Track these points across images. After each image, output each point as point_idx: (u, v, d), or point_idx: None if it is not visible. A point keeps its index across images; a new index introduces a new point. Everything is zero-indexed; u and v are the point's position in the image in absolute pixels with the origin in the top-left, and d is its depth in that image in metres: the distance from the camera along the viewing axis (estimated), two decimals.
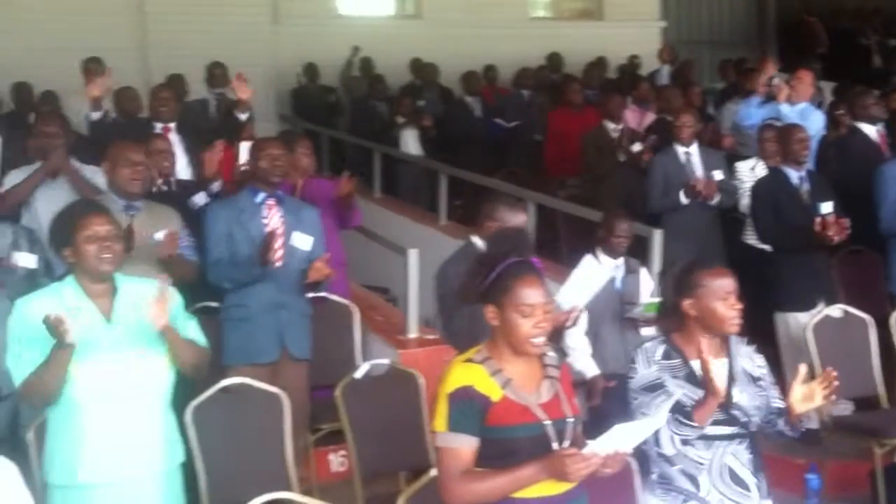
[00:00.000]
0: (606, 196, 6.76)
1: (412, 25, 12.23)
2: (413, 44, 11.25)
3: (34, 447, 3.68)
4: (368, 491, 4.29)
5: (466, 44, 11.49)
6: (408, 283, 5.49)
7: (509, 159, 9.29)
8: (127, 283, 3.37)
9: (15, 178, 4.97)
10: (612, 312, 4.81)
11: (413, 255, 5.50)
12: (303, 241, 4.75)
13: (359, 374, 4.39)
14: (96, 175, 4.92)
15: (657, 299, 4.71)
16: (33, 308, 3.24)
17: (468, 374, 2.74)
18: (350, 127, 10.42)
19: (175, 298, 3.44)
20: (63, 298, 3.26)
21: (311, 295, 4.95)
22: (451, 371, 2.77)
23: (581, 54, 11.42)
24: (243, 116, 6.35)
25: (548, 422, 2.72)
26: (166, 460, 3.37)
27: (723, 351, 3.20)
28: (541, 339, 2.75)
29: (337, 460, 5.21)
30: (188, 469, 3.69)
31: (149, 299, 3.21)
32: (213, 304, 4.99)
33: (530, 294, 2.71)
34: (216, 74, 8.31)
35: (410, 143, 9.38)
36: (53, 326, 3.02)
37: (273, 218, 4.73)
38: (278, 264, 4.67)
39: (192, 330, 3.45)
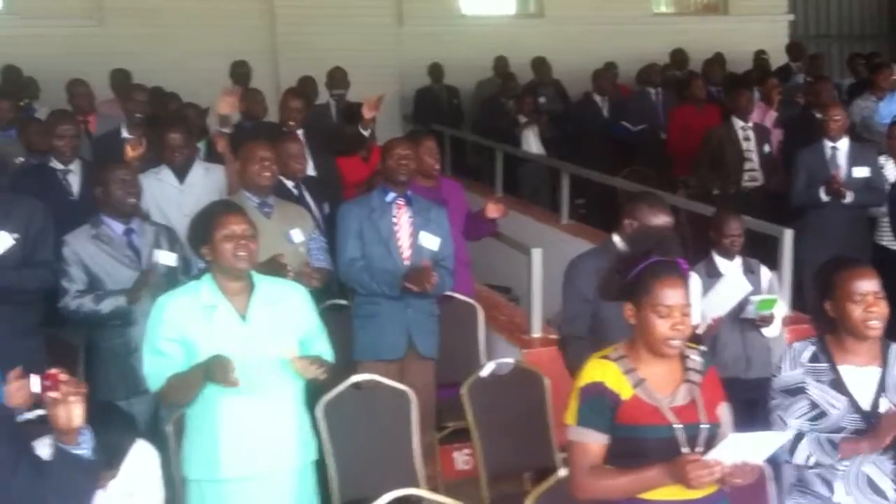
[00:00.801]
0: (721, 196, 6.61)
1: (534, 24, 12.20)
2: (535, 42, 11.21)
3: (173, 440, 3.83)
4: (493, 490, 4.30)
5: (588, 41, 11.40)
6: (531, 283, 5.48)
7: (634, 158, 9.16)
8: (263, 281, 3.47)
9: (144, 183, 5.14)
10: (731, 315, 4.67)
11: (537, 255, 5.49)
12: (430, 241, 4.80)
13: (484, 372, 4.41)
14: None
15: (770, 296, 4.61)
16: (170, 308, 3.38)
17: (601, 370, 2.74)
18: (475, 126, 10.46)
19: (309, 308, 3.53)
20: (200, 296, 3.38)
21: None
22: (586, 366, 2.77)
23: (705, 50, 11.18)
24: (366, 133, 6.50)
25: (678, 425, 2.69)
26: (300, 457, 3.46)
27: (878, 357, 3.09)
28: (677, 342, 2.72)
29: (461, 458, 5.24)
30: (320, 464, 3.78)
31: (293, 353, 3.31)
32: (343, 303, 5.11)
33: (669, 295, 2.69)
34: (336, 77, 8.42)
35: (532, 141, 9.36)
36: (216, 367, 3.16)
37: (402, 217, 4.80)
38: (406, 263, 4.74)
39: (321, 344, 3.53)
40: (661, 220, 3.99)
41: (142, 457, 3.55)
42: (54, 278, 4.37)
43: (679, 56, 11.28)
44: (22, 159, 6.05)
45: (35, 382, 2.50)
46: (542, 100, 9.97)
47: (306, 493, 3.51)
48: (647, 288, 2.71)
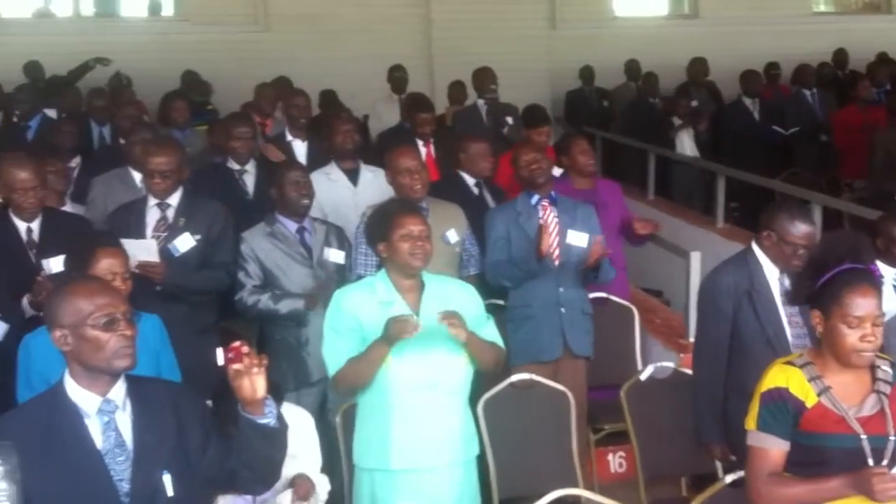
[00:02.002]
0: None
1: (689, 25, 12.04)
2: (690, 43, 11.05)
3: (341, 430, 3.99)
4: (650, 494, 4.31)
5: (745, 42, 11.17)
6: (689, 287, 5.44)
7: (793, 161, 8.93)
8: (433, 280, 3.58)
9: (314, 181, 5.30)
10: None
11: (695, 259, 5.44)
12: (578, 239, 4.82)
13: (643, 375, 4.42)
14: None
15: None
16: (349, 300, 3.52)
17: (784, 376, 2.70)
18: (623, 128, 10.39)
19: (475, 301, 3.62)
20: (375, 292, 3.51)
21: (593, 295, 5.03)
22: (769, 371, 2.74)
23: (866, 50, 10.80)
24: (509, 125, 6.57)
25: (864, 436, 2.64)
26: (465, 451, 3.55)
27: None
28: (868, 353, 2.65)
29: (616, 461, 5.25)
30: (481, 461, 3.87)
31: (446, 313, 3.35)
32: (500, 302, 5.19)
33: (861, 305, 2.62)
34: (484, 78, 8.43)
35: (686, 144, 9.24)
36: (399, 324, 3.26)
37: (548, 218, 4.84)
38: (556, 263, 4.77)
39: (490, 331, 3.60)
40: (802, 231, 3.78)
41: (299, 421, 3.73)
42: (230, 280, 4.59)
43: (841, 56, 10.94)
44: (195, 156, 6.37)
45: (219, 355, 2.60)
46: (694, 103, 9.82)
47: (470, 487, 3.59)
48: (837, 297, 2.64)
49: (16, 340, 3.60)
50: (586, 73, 10.95)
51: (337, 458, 4.03)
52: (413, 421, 3.42)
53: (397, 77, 8.73)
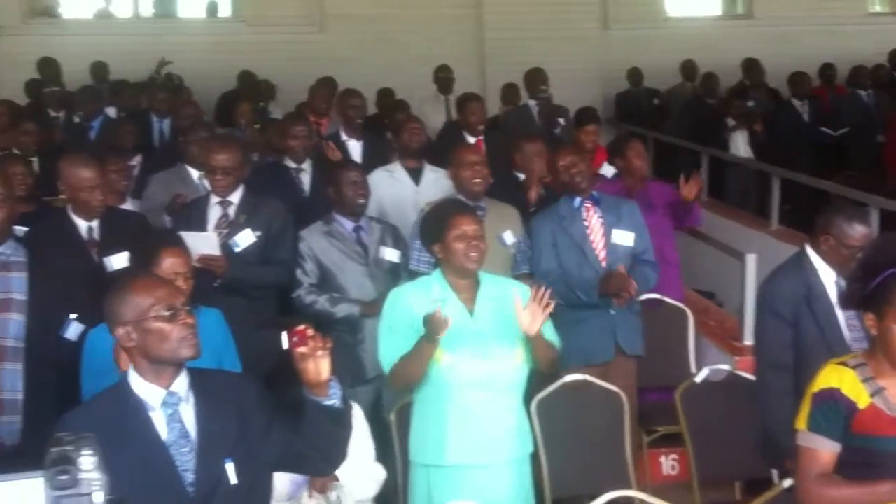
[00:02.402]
0: None
1: (742, 25, 11.95)
2: (743, 44, 10.98)
3: (395, 428, 4.04)
4: (704, 497, 4.29)
5: (800, 42, 11.07)
6: (745, 289, 5.40)
7: (848, 162, 8.83)
8: (488, 279, 3.61)
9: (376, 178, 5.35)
10: None
11: (751, 261, 5.40)
12: (624, 238, 4.82)
13: (699, 378, 4.41)
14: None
15: None
16: (404, 299, 3.57)
17: (837, 376, 2.68)
18: (677, 129, 10.34)
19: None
20: (431, 291, 3.55)
21: (645, 297, 5.03)
22: (822, 371, 2.72)
23: None
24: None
25: None
26: (519, 448, 3.58)
27: None
28: None
29: (668, 463, 5.24)
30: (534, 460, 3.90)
31: (519, 304, 3.39)
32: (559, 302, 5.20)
33: None
34: (536, 78, 8.46)
35: (740, 145, 9.18)
36: (431, 322, 3.29)
37: (592, 219, 4.83)
38: (603, 265, 4.77)
39: (548, 330, 3.63)
40: (861, 233, 3.75)
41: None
42: (290, 276, 4.66)
43: None
44: (255, 156, 6.48)
45: (284, 339, 2.63)
46: (750, 103, 9.75)
47: (524, 484, 3.62)
48: (889, 299, 2.62)
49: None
50: (634, 75, 10.92)
51: (390, 455, 4.08)
52: (469, 418, 3.45)
53: (443, 77, 8.78)
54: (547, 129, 7.34)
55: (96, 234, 4.32)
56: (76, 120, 7.90)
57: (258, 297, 4.66)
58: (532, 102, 8.03)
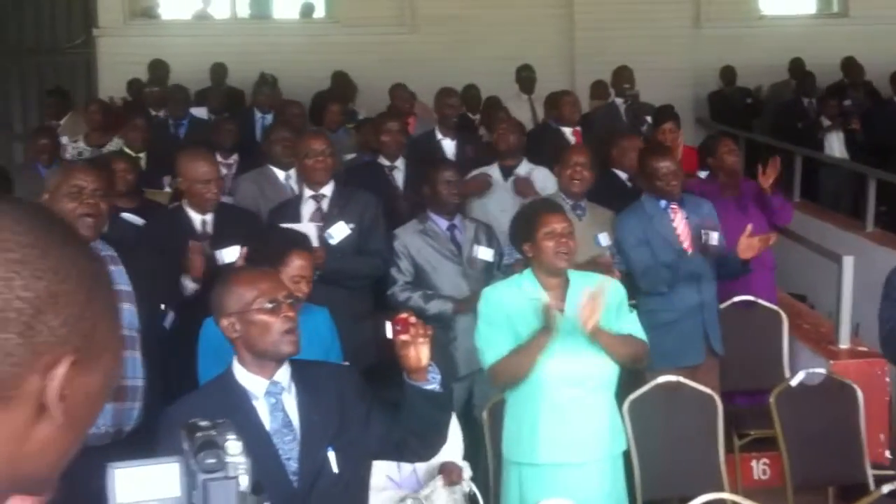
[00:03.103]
0: None
1: (837, 24, 11.69)
2: (837, 43, 10.75)
3: (487, 426, 4.09)
4: (796, 502, 4.25)
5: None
6: (841, 292, 5.31)
7: None
8: (578, 277, 3.64)
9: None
10: None
11: (848, 263, 5.31)
12: (714, 238, 4.79)
13: (794, 381, 4.36)
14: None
15: None
16: (498, 296, 3.61)
17: None
18: (772, 128, 10.18)
19: (618, 293, 3.65)
20: (522, 289, 3.59)
21: (739, 298, 4.99)
22: None
23: None
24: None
25: None
26: (611, 446, 3.60)
27: None
28: None
29: (759, 467, 5.19)
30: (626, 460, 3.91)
31: (582, 300, 3.39)
32: (632, 302, 5.17)
33: None
34: (623, 76, 8.39)
35: (835, 145, 9.01)
36: (546, 313, 3.32)
37: (678, 220, 4.82)
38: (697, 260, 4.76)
39: (630, 323, 3.63)
40: None
41: None
42: (385, 266, 4.74)
43: None
44: (353, 155, 6.59)
45: (388, 328, 2.72)
46: (847, 102, 9.55)
47: (616, 482, 3.63)
48: None
49: (188, 323, 3.79)
50: (727, 74, 10.78)
51: (481, 452, 4.13)
52: (561, 416, 3.48)
53: (525, 77, 8.78)
54: (633, 127, 7.32)
55: (209, 228, 4.44)
56: (161, 118, 8.11)
57: (355, 288, 4.73)
58: (619, 100, 8.01)
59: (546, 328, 3.38)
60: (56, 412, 0.94)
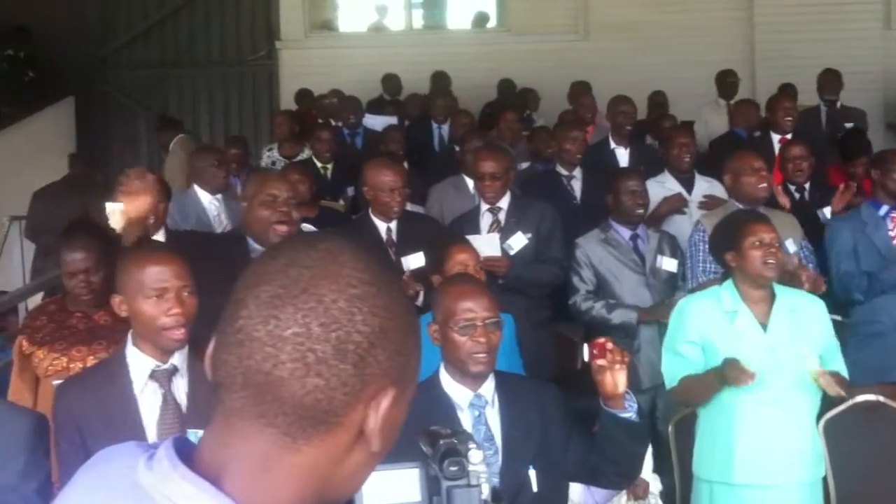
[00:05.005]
0: None
1: None
2: None
3: (673, 440, 3.98)
4: None
5: None
6: None
7: None
8: (785, 293, 3.49)
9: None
10: None
11: None
12: None
13: None
14: None
15: None
16: (693, 309, 3.50)
17: None
18: None
19: (823, 318, 3.51)
20: (721, 302, 3.46)
21: None
22: None
23: None
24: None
25: None
26: (812, 471, 3.44)
27: None
28: None
29: None
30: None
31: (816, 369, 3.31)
32: (836, 318, 4.96)
33: None
34: (827, 81, 8.05)
35: None
36: (732, 369, 3.21)
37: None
38: None
39: (838, 361, 3.48)
40: None
41: None
42: (563, 274, 4.71)
43: None
44: (527, 164, 6.58)
45: (584, 351, 2.67)
46: None
47: None
48: None
49: None
50: None
51: (665, 465, 4.03)
52: (759, 436, 3.35)
53: (730, 83, 8.49)
54: (831, 134, 7.01)
55: (394, 235, 4.54)
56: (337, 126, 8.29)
57: (534, 297, 4.73)
58: (822, 105, 7.73)
59: (725, 378, 3.26)
60: (375, 441, 1.02)
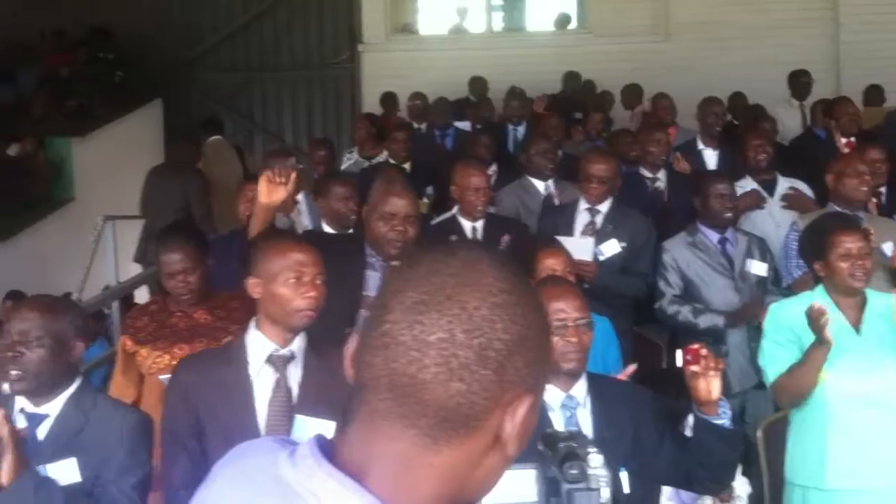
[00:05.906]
0: None
1: None
2: None
3: (762, 444, 3.94)
4: None
5: None
6: None
7: None
8: (876, 297, 3.47)
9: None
10: None
11: None
12: None
13: None
14: None
15: None
16: (786, 313, 3.50)
17: None
18: None
19: None
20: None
21: None
22: None
23: None
24: None
25: None
26: None
27: None
28: None
29: None
30: None
31: None
32: None
33: None
34: None
35: None
36: (814, 320, 3.19)
37: None
38: None
39: None
40: None
41: None
42: (647, 290, 4.71)
43: None
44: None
45: (678, 357, 2.69)
46: None
47: None
48: None
49: None
50: None
51: (753, 469, 4.00)
52: (853, 439, 3.33)
53: (804, 83, 8.37)
54: None
55: (479, 235, 4.62)
56: (422, 130, 8.37)
57: (618, 306, 4.73)
58: None
59: (820, 340, 3.23)
60: (511, 446, 1.06)
